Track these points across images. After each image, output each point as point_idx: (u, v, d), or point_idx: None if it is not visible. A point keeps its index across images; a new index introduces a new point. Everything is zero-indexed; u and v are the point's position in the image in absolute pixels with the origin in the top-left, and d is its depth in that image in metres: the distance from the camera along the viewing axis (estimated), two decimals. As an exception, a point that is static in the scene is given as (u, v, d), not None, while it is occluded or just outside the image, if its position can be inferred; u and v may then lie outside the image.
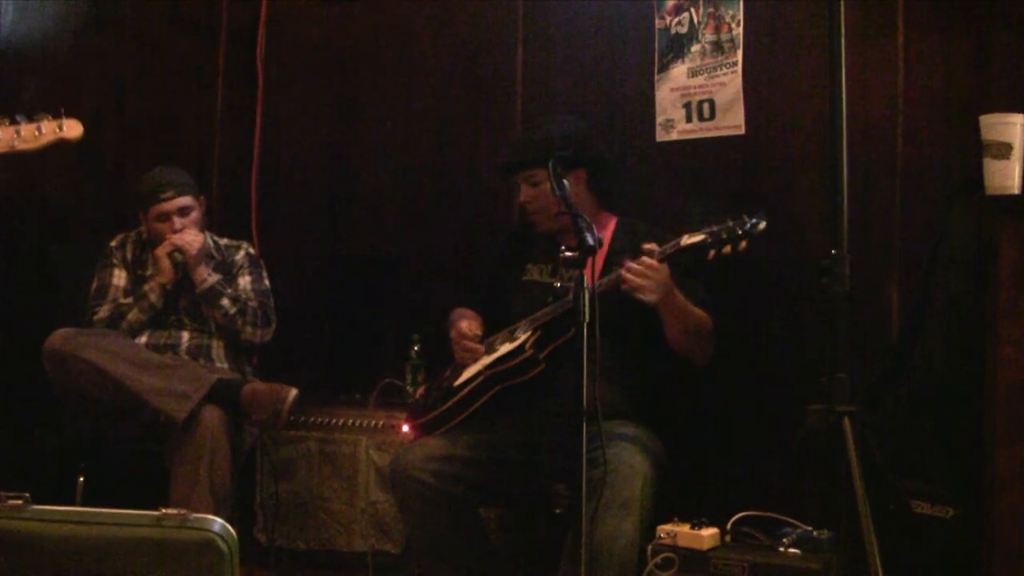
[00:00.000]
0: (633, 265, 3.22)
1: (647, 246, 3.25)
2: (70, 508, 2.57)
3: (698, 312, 3.43)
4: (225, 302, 4.13)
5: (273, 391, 3.80)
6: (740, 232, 3.16)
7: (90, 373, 3.73)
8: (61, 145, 3.48)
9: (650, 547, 3.22)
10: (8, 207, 4.65)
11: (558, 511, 3.36)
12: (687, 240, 3.22)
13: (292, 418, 3.87)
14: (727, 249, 3.18)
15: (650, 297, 3.24)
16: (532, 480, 3.44)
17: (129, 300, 4.13)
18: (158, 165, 4.28)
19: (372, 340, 4.61)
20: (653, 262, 3.22)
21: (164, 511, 2.51)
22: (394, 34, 4.79)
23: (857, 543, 2.59)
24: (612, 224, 3.71)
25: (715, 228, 3.19)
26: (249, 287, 4.25)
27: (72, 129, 3.50)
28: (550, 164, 3.16)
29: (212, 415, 3.71)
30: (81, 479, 3.87)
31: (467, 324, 3.66)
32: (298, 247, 4.88)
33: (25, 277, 4.60)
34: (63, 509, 2.57)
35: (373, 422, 4.15)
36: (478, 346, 3.60)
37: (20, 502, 2.53)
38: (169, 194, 4.15)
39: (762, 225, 3.18)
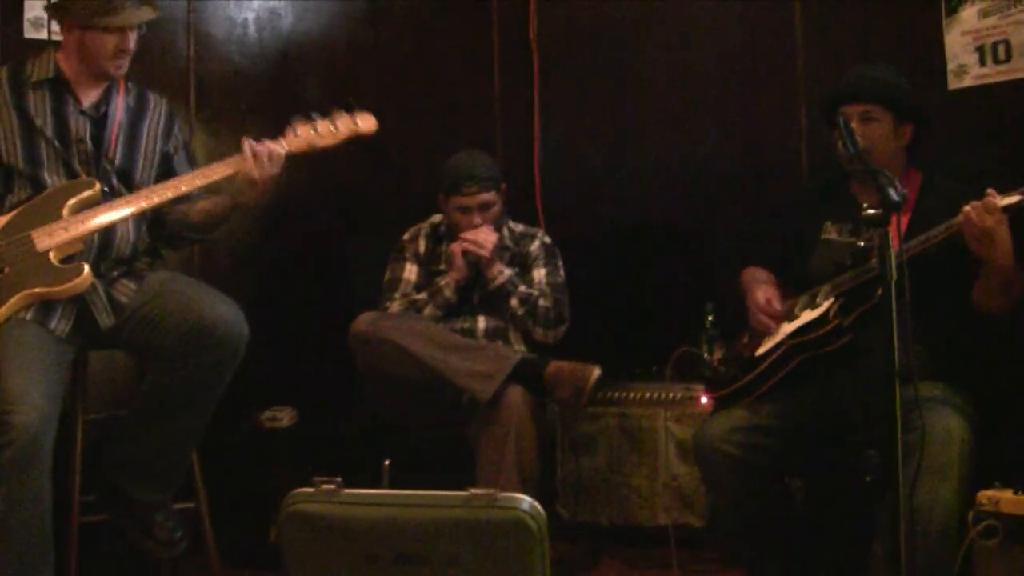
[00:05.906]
0: (979, 208, 2.96)
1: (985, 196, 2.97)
2: (381, 491, 2.65)
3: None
4: (514, 302, 4.11)
5: (576, 370, 3.77)
6: None
7: (395, 354, 3.80)
8: (356, 140, 3.60)
9: (971, 514, 3.05)
10: (307, 203, 4.80)
11: (868, 479, 3.24)
12: (1001, 201, 2.94)
13: (595, 396, 3.82)
14: None
15: (990, 248, 2.99)
16: (839, 447, 3.33)
17: (423, 296, 4.13)
18: (466, 151, 4.24)
19: (664, 312, 4.56)
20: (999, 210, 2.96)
21: (472, 491, 2.55)
22: (668, 6, 4.77)
23: None
24: (918, 182, 3.48)
25: None
26: (544, 280, 4.19)
27: (366, 123, 3.64)
28: (841, 117, 3.06)
29: (516, 394, 3.71)
30: (387, 462, 3.96)
31: (764, 294, 3.56)
32: (583, 223, 4.90)
33: (325, 270, 4.74)
34: (374, 492, 2.64)
35: (671, 395, 4.13)
36: (774, 323, 3.50)
37: (333, 487, 2.61)
38: (473, 189, 4.09)
39: None
